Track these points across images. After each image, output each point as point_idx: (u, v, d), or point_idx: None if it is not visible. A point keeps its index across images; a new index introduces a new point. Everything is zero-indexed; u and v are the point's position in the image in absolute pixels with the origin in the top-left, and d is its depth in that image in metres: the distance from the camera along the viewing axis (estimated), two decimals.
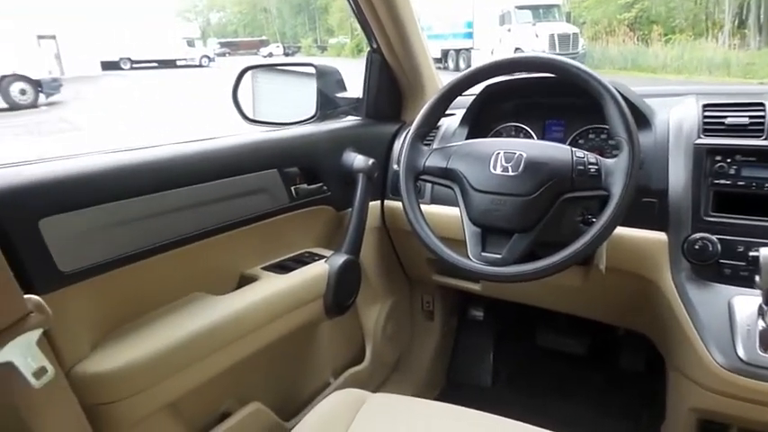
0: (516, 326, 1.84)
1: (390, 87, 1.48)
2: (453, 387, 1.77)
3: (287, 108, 1.41)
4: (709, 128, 1.03)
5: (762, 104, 1.01)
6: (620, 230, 1.05)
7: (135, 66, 22.75)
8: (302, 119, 1.34)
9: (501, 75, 1.09)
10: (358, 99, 1.46)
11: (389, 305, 1.53)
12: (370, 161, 1.27)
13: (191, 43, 25.80)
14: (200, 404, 1.00)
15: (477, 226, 0.97)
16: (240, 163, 1.04)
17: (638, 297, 1.13)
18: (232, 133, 1.12)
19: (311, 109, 1.35)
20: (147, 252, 0.86)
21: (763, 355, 0.87)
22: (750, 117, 1.00)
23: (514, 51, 14.41)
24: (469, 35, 16.40)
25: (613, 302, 1.25)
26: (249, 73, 1.38)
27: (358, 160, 1.27)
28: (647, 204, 1.05)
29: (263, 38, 39.00)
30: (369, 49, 1.43)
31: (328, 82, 1.39)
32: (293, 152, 1.19)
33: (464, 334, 1.83)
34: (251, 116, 1.38)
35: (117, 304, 0.86)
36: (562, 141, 1.22)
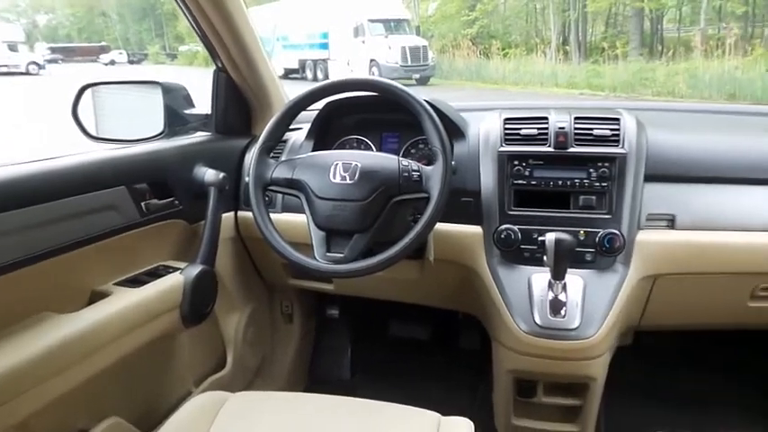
0: (371, 320, 1.98)
1: (238, 104, 1.52)
2: (315, 384, 1.87)
3: (133, 125, 1.39)
4: (509, 137, 1.24)
5: (545, 118, 1.24)
6: (446, 226, 1.24)
7: None
8: (150, 135, 1.34)
9: (336, 94, 1.21)
10: (207, 115, 1.48)
11: (249, 311, 1.58)
12: (221, 175, 1.31)
13: (13, 48, 22.81)
14: (53, 422, 0.98)
15: (322, 230, 1.08)
16: (86, 181, 1.05)
17: (464, 283, 1.31)
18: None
19: (159, 125, 1.36)
20: None
21: (553, 319, 1.10)
22: (538, 129, 1.23)
23: (369, 62, 14.91)
24: (325, 46, 16.58)
25: (446, 290, 1.42)
26: (89, 90, 1.35)
27: (209, 174, 1.31)
28: (465, 203, 1.25)
29: (104, 44, 35.84)
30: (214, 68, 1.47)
31: (175, 98, 1.40)
32: (142, 168, 1.21)
33: (323, 333, 1.94)
34: (94, 134, 1.34)
35: None
36: (396, 152, 1.37)
